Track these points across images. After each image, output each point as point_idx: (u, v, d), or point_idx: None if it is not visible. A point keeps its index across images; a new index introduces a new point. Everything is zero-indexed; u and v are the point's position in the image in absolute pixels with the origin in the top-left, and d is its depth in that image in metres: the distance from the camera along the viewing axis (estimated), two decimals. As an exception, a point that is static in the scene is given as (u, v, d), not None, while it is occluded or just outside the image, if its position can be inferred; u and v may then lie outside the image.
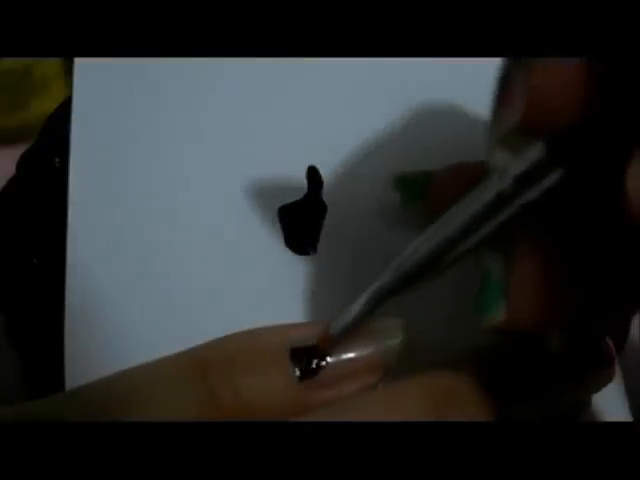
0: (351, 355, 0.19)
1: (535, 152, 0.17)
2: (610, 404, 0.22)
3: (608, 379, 0.21)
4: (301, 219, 0.24)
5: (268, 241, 0.23)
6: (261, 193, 0.24)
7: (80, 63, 0.25)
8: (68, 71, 0.26)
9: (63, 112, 0.25)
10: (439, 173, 0.23)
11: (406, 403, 0.18)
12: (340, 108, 0.25)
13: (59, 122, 0.26)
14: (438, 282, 0.23)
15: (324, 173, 0.24)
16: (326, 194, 0.24)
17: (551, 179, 0.17)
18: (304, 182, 0.24)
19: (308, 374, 0.19)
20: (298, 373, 0.19)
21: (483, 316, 0.18)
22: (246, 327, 0.19)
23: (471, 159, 0.22)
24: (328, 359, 0.19)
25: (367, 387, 0.19)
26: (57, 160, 0.25)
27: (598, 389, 0.21)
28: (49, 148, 0.26)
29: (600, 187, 0.16)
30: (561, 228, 0.17)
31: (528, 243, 0.18)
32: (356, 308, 0.19)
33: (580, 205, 0.17)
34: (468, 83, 0.25)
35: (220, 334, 0.19)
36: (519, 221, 0.17)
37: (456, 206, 0.18)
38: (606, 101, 0.16)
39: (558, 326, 0.18)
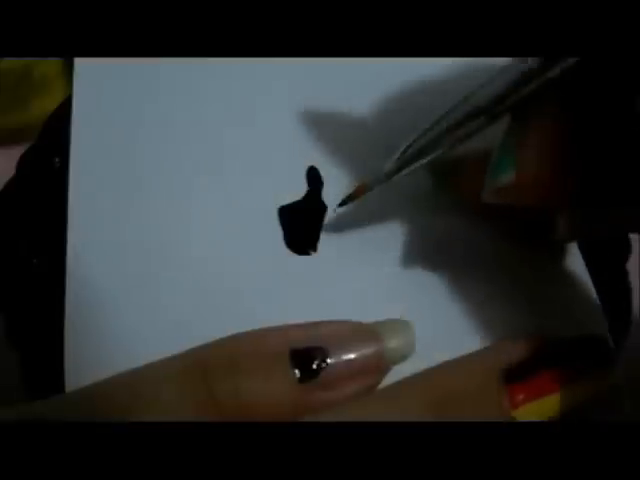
0: (351, 356, 0.19)
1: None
2: (610, 404, 0.22)
3: (608, 379, 0.21)
4: (301, 219, 0.24)
5: (268, 241, 0.23)
6: (261, 193, 0.24)
7: (80, 63, 0.25)
8: (68, 71, 0.26)
9: (63, 112, 0.25)
10: (468, 161, 0.23)
11: (406, 403, 0.18)
12: (340, 107, 0.25)
13: (59, 122, 0.26)
14: (438, 282, 0.23)
15: (324, 173, 0.24)
16: (326, 194, 0.24)
17: (569, 62, 0.17)
18: (304, 182, 0.24)
19: (308, 375, 0.19)
20: (298, 374, 0.19)
21: (495, 177, 0.20)
22: (246, 328, 0.19)
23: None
24: (328, 360, 0.19)
25: (367, 388, 0.19)
26: (57, 160, 0.25)
27: (598, 389, 0.21)
28: (49, 148, 0.26)
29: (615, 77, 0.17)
30: (576, 107, 0.18)
31: (543, 116, 0.19)
32: (390, 165, 0.21)
33: (595, 88, 0.18)
34: (469, 82, 0.25)
35: (220, 334, 0.19)
36: (541, 96, 0.19)
37: (488, 79, 0.19)
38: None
39: (563, 206, 0.20)
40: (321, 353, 0.19)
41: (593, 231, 0.22)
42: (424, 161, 0.21)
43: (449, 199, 0.24)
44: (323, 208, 0.24)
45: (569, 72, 0.18)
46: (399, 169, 0.21)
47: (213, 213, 0.24)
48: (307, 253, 0.23)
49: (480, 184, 0.20)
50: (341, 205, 0.23)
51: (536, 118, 0.19)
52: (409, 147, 0.21)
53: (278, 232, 0.24)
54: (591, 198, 0.19)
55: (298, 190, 0.24)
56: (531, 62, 0.18)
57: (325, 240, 0.24)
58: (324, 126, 0.25)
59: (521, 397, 0.19)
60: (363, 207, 0.24)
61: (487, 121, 0.20)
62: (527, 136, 0.19)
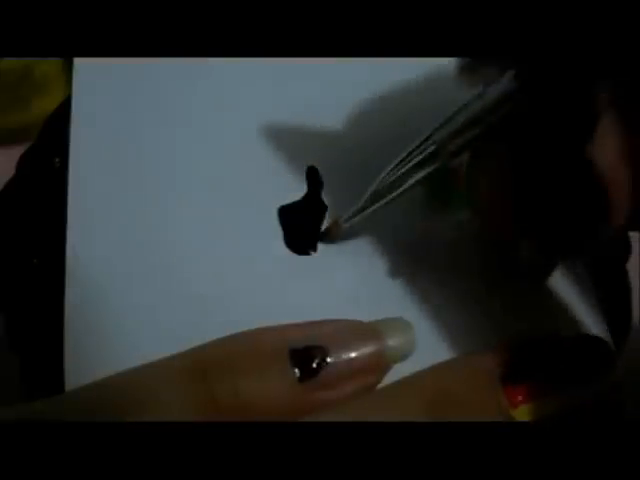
0: (351, 355, 0.19)
1: (505, 81, 0.19)
2: (610, 404, 0.22)
3: (608, 378, 0.21)
4: (301, 219, 0.24)
5: (268, 241, 0.23)
6: (261, 193, 0.24)
7: (80, 63, 0.25)
8: (68, 71, 0.26)
9: (63, 112, 0.25)
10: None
11: (405, 403, 0.18)
12: (340, 107, 0.25)
13: (59, 122, 0.26)
14: (440, 283, 0.23)
15: (324, 173, 0.24)
16: (326, 194, 0.24)
17: (518, 105, 0.19)
18: (304, 182, 0.24)
19: (308, 374, 0.19)
20: (298, 373, 0.19)
21: (453, 216, 0.22)
22: (246, 327, 0.19)
23: None
24: (328, 359, 0.19)
25: (367, 388, 0.19)
26: (57, 160, 0.25)
27: (598, 389, 0.21)
28: (49, 148, 0.26)
29: (563, 117, 0.18)
30: (523, 147, 0.19)
31: (492, 155, 0.20)
32: (363, 199, 0.22)
33: (543, 129, 0.19)
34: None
35: (220, 334, 0.19)
36: (487, 135, 0.20)
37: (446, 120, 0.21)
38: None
39: (522, 234, 0.20)
40: (321, 352, 0.19)
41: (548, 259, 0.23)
42: (390, 198, 0.22)
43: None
44: (323, 208, 0.24)
45: (512, 118, 0.19)
46: (370, 204, 0.22)
47: (213, 213, 0.24)
48: (307, 253, 0.23)
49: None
50: (319, 242, 0.24)
51: (484, 157, 0.20)
52: (380, 184, 0.22)
53: (278, 232, 0.24)
54: (537, 231, 0.20)
55: (298, 190, 0.24)
56: (479, 102, 0.20)
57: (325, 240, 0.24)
58: (324, 126, 0.25)
59: (520, 398, 0.19)
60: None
61: (448, 157, 0.21)
62: (478, 177, 0.20)
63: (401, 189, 0.22)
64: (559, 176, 0.19)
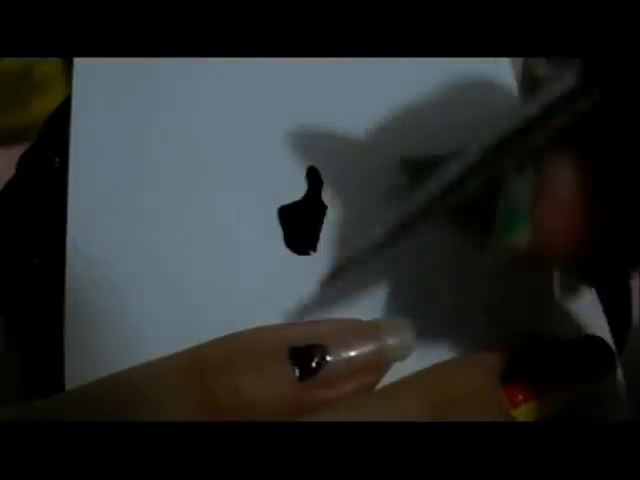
0: (351, 354, 0.19)
1: (572, 72, 0.16)
2: (610, 404, 0.22)
3: (608, 378, 0.21)
4: (301, 219, 0.24)
5: (268, 241, 0.23)
6: (261, 193, 0.24)
7: (80, 63, 0.25)
8: (68, 71, 0.26)
9: (63, 112, 0.25)
10: (444, 157, 0.23)
11: (405, 403, 0.18)
12: (340, 107, 0.25)
13: (59, 122, 0.26)
14: (440, 283, 0.23)
15: (324, 173, 0.24)
16: (326, 194, 0.24)
17: (585, 101, 0.16)
18: (304, 182, 0.24)
19: (307, 373, 0.19)
20: (297, 372, 0.19)
21: (505, 239, 0.17)
22: (246, 327, 0.19)
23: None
24: (328, 358, 0.19)
25: (367, 387, 0.19)
26: (57, 160, 0.25)
27: (598, 389, 0.21)
28: (49, 148, 0.26)
29: (636, 110, 0.16)
30: (594, 150, 0.17)
31: (557, 170, 0.17)
32: (378, 231, 0.19)
33: (615, 128, 0.16)
34: (469, 81, 0.25)
35: (220, 334, 0.19)
36: (550, 143, 0.17)
37: (485, 131, 0.18)
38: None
39: (580, 251, 0.17)
40: (320, 351, 0.19)
41: (604, 282, 0.21)
42: (411, 234, 0.19)
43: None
44: (323, 208, 0.24)
45: (583, 115, 0.16)
46: (386, 243, 0.19)
47: (213, 213, 0.24)
48: (307, 253, 0.23)
49: None
50: (329, 283, 0.20)
51: (550, 169, 0.17)
52: (400, 219, 0.19)
53: (278, 232, 0.24)
54: (614, 252, 0.17)
55: (298, 190, 0.24)
56: (535, 108, 0.16)
57: (325, 240, 0.24)
58: (325, 126, 0.25)
59: (520, 397, 0.19)
60: (362, 209, 0.24)
61: (483, 178, 0.18)
62: (542, 191, 0.17)
63: (425, 220, 0.19)
64: None
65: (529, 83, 0.17)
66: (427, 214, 0.18)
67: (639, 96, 0.16)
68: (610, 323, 0.23)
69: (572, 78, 0.16)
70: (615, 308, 0.25)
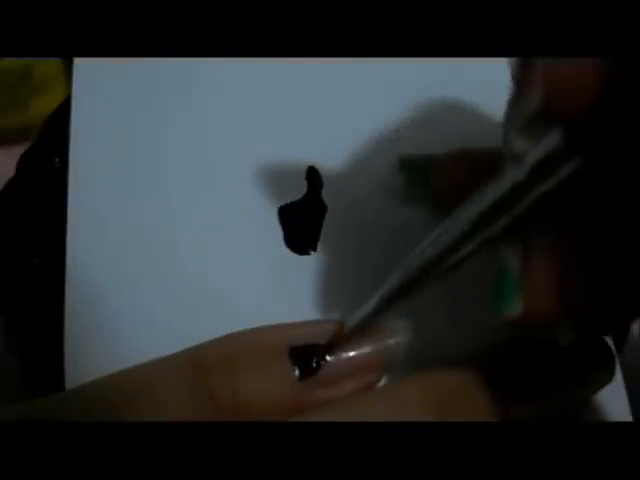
0: (351, 354, 0.19)
1: (553, 139, 0.16)
2: (610, 404, 0.22)
3: (608, 379, 0.21)
4: (301, 219, 0.24)
5: (268, 241, 0.23)
6: (261, 193, 0.24)
7: (80, 63, 0.25)
8: (68, 71, 0.26)
9: (63, 112, 0.25)
10: (442, 157, 0.23)
11: (406, 403, 0.18)
12: (340, 108, 0.25)
13: (59, 122, 0.26)
14: (440, 283, 0.23)
15: (324, 173, 0.24)
16: (326, 194, 0.24)
17: (569, 167, 0.16)
18: (304, 182, 0.24)
19: (308, 373, 0.19)
20: (298, 372, 0.19)
21: (500, 309, 0.18)
22: (246, 327, 0.19)
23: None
24: (327, 358, 0.19)
25: (367, 386, 0.19)
26: (57, 160, 0.25)
27: (598, 389, 0.21)
28: (49, 148, 0.26)
29: (618, 177, 0.16)
30: (578, 219, 0.17)
31: (544, 235, 0.17)
32: (370, 305, 0.19)
33: (599, 193, 0.17)
34: (469, 82, 0.25)
35: (220, 334, 0.19)
36: (536, 212, 0.17)
37: (472, 197, 0.18)
38: (623, 90, 0.15)
39: (571, 318, 0.18)
40: (320, 350, 0.19)
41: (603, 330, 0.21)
42: (407, 299, 0.19)
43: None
44: (323, 208, 0.24)
45: (565, 183, 0.16)
46: (381, 309, 0.19)
47: (213, 213, 0.24)
48: (307, 253, 0.23)
49: (453, 179, 0.20)
50: (322, 359, 0.19)
51: (536, 237, 0.17)
52: (392, 287, 0.19)
53: (278, 232, 0.24)
54: (603, 306, 0.17)
55: (298, 190, 0.24)
56: (523, 176, 0.17)
57: (325, 240, 0.24)
58: (324, 126, 0.25)
59: (521, 397, 0.19)
60: (362, 209, 0.24)
61: (472, 249, 0.18)
62: (530, 261, 0.17)
63: (418, 289, 0.19)
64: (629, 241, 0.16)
65: (509, 156, 0.17)
66: (420, 281, 0.19)
67: (620, 162, 0.16)
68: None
69: (555, 144, 0.16)
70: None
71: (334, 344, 0.19)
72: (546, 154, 0.16)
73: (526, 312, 0.17)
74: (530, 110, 0.17)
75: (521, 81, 0.17)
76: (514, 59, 0.17)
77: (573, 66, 0.16)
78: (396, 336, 0.20)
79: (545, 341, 0.20)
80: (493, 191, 0.17)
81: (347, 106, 0.25)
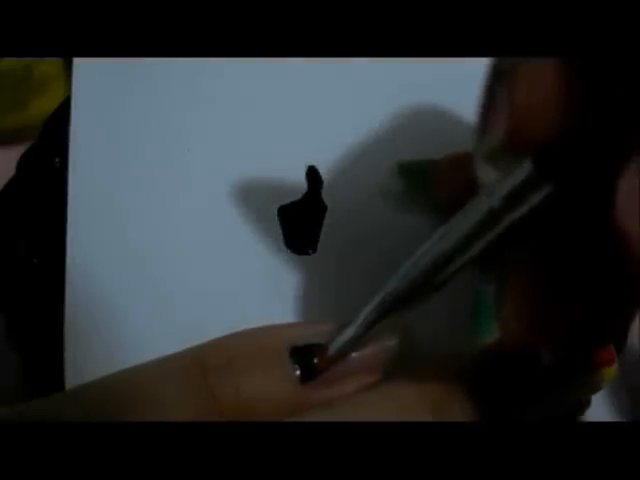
0: (351, 354, 0.19)
1: (523, 170, 0.16)
2: (610, 404, 0.22)
3: (608, 380, 0.21)
4: (301, 219, 0.24)
5: (268, 241, 0.23)
6: (261, 193, 0.24)
7: (79, 63, 0.25)
8: (68, 71, 0.26)
9: (63, 112, 0.25)
10: (441, 161, 0.23)
11: (404, 403, 0.18)
12: (340, 108, 0.25)
13: (59, 122, 0.26)
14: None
15: (324, 172, 0.24)
16: (326, 194, 0.24)
17: (540, 195, 0.16)
18: (304, 182, 0.24)
19: (309, 372, 0.19)
20: (298, 372, 0.19)
21: (476, 337, 0.18)
22: (246, 327, 0.19)
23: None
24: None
25: (366, 386, 0.19)
26: (57, 160, 0.25)
27: (598, 389, 0.21)
28: (49, 148, 0.26)
29: (589, 202, 0.16)
30: (551, 245, 0.17)
31: (517, 264, 0.17)
32: (353, 328, 0.19)
33: (569, 221, 0.17)
34: (469, 82, 0.25)
35: (220, 334, 0.19)
36: (509, 240, 0.17)
37: (447, 224, 0.18)
38: (590, 116, 0.15)
39: (549, 343, 0.18)
40: (321, 350, 0.19)
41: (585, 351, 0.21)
42: (386, 319, 0.19)
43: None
44: (323, 208, 0.24)
45: (537, 210, 0.16)
46: (363, 331, 0.19)
47: (213, 213, 0.24)
48: (307, 253, 0.23)
49: (452, 184, 0.20)
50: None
51: (510, 267, 0.17)
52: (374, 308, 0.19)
53: (278, 232, 0.24)
54: (582, 330, 0.18)
55: (298, 190, 0.24)
56: (496, 204, 0.17)
57: (325, 240, 0.24)
58: (324, 126, 0.25)
59: (520, 397, 0.19)
60: (362, 209, 0.24)
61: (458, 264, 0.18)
62: (505, 290, 0.17)
63: (399, 309, 0.19)
64: (594, 265, 0.16)
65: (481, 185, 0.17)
66: (402, 302, 0.19)
67: (590, 192, 0.16)
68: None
69: (524, 174, 0.16)
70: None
71: (318, 369, 0.19)
72: (517, 183, 0.16)
73: (501, 340, 0.17)
74: (495, 143, 0.17)
75: (484, 115, 0.17)
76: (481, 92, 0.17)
77: (536, 95, 0.16)
78: (396, 337, 0.20)
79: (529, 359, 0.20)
80: (471, 215, 0.17)
81: (347, 106, 0.25)
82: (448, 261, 0.18)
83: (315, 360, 0.19)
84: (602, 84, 0.15)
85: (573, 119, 0.15)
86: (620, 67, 0.15)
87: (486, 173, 0.17)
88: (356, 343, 0.19)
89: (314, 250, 0.24)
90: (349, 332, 0.19)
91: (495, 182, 0.17)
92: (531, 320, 0.17)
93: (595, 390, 0.21)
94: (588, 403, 0.22)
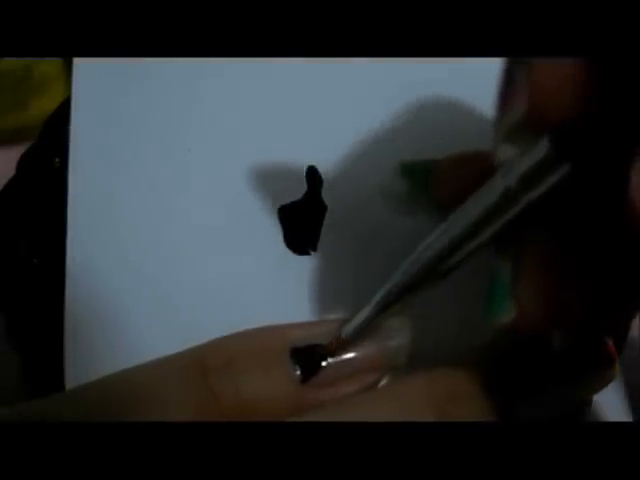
0: (352, 355, 0.19)
1: (541, 148, 0.16)
2: (610, 404, 0.22)
3: (609, 379, 0.21)
4: (301, 219, 0.24)
5: (268, 241, 0.23)
6: (261, 193, 0.24)
7: (79, 63, 0.25)
8: (68, 71, 0.26)
9: (63, 112, 0.25)
10: (443, 162, 0.23)
11: (407, 403, 0.18)
12: (340, 108, 0.25)
13: (59, 122, 0.26)
14: (441, 284, 0.23)
15: (324, 172, 0.24)
16: (326, 194, 0.24)
17: (557, 175, 0.16)
18: (304, 182, 0.24)
19: (309, 373, 0.19)
20: (298, 372, 0.19)
21: (491, 317, 0.18)
22: (246, 327, 0.19)
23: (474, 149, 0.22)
24: (329, 358, 0.19)
25: (368, 387, 0.19)
26: (57, 160, 0.25)
27: (599, 389, 0.21)
28: (49, 148, 0.26)
29: (606, 183, 0.16)
30: (567, 226, 0.17)
31: (534, 244, 0.17)
32: (367, 310, 0.19)
33: (586, 202, 0.17)
34: (469, 81, 0.25)
35: (220, 334, 0.19)
36: (525, 220, 0.17)
37: (462, 206, 0.18)
38: (609, 97, 0.16)
39: (563, 325, 0.18)
40: (322, 351, 0.19)
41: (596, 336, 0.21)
42: (400, 305, 0.19)
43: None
44: (323, 208, 0.24)
45: (554, 190, 0.17)
46: (376, 314, 0.19)
47: (213, 213, 0.24)
48: (307, 253, 0.23)
49: (454, 184, 0.20)
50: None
51: (527, 248, 0.17)
52: (389, 291, 0.19)
53: (278, 232, 0.24)
54: (595, 313, 0.17)
55: (298, 190, 0.24)
56: (513, 184, 0.17)
57: (325, 240, 0.24)
58: (324, 126, 0.25)
59: (520, 396, 0.19)
60: (362, 209, 0.24)
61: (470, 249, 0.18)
62: (521, 271, 0.17)
63: (413, 293, 0.19)
64: (610, 248, 0.16)
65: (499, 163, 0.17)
66: (415, 286, 0.19)
67: (607, 171, 0.16)
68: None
69: (543, 152, 0.16)
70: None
71: (332, 350, 0.19)
72: (535, 161, 0.16)
73: (517, 320, 0.17)
74: (515, 121, 0.17)
75: (504, 93, 0.17)
76: (501, 71, 0.17)
77: (556, 75, 0.16)
78: (397, 337, 0.20)
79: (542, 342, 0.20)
80: (485, 196, 0.17)
81: (347, 106, 0.25)
82: (463, 242, 0.18)
83: (316, 361, 0.19)
84: (621, 65, 0.15)
85: (592, 99, 0.15)
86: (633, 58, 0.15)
87: (505, 152, 0.17)
88: (369, 326, 0.19)
89: (314, 250, 0.23)
90: (363, 314, 0.19)
91: (512, 161, 0.17)
92: (547, 298, 0.17)
93: (600, 387, 0.21)
94: (589, 403, 0.22)
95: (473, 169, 0.19)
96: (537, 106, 0.16)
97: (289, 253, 0.23)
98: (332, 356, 0.19)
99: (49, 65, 0.35)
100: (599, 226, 0.17)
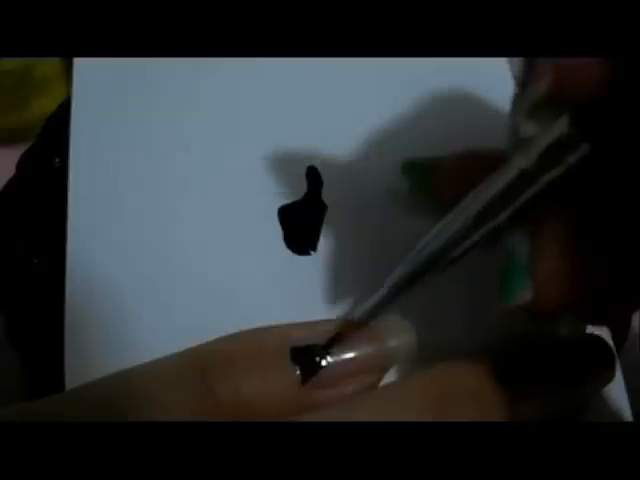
0: (352, 355, 0.19)
1: (562, 125, 0.16)
2: (610, 404, 0.22)
3: (608, 379, 0.21)
4: (301, 219, 0.24)
5: (268, 241, 0.23)
6: (261, 193, 0.24)
7: (80, 63, 0.25)
8: (68, 71, 0.26)
9: (63, 112, 0.25)
10: (446, 159, 0.23)
11: (406, 403, 0.18)
12: (340, 108, 0.25)
13: (59, 122, 0.26)
14: (442, 283, 0.23)
15: (324, 173, 0.24)
16: (326, 194, 0.24)
17: (576, 155, 0.16)
18: (304, 182, 0.24)
19: (309, 373, 0.19)
20: (298, 372, 0.19)
21: (508, 297, 0.18)
22: (246, 327, 0.19)
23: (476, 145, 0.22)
24: (329, 359, 0.19)
25: (367, 387, 0.19)
26: (57, 160, 0.25)
27: (598, 389, 0.21)
28: (49, 148, 0.26)
29: (626, 164, 0.16)
30: (586, 206, 0.17)
31: (554, 223, 0.17)
32: (377, 296, 0.19)
33: (605, 182, 0.17)
34: (469, 80, 0.25)
35: (220, 334, 0.19)
36: (545, 200, 0.17)
37: (479, 186, 0.18)
38: (630, 80, 0.15)
39: (578, 307, 0.18)
40: (321, 351, 0.19)
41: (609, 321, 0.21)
42: (413, 292, 0.19)
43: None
44: (323, 208, 0.24)
45: (573, 170, 0.16)
46: (388, 301, 0.19)
47: (213, 213, 0.24)
48: (307, 253, 0.23)
49: (457, 182, 0.20)
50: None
51: (546, 223, 0.17)
52: (400, 278, 0.19)
53: (278, 232, 0.24)
54: (612, 297, 0.17)
55: (298, 190, 0.24)
56: (531, 164, 0.17)
57: (325, 240, 0.24)
58: (324, 126, 0.25)
59: (521, 397, 0.19)
60: (362, 209, 0.24)
61: (483, 232, 0.18)
62: (541, 249, 0.17)
63: (425, 280, 0.19)
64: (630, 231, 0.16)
65: (517, 142, 0.17)
66: (428, 271, 0.19)
67: (628, 149, 0.16)
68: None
69: (563, 129, 0.16)
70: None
71: (340, 337, 0.19)
72: (554, 140, 0.16)
73: (535, 299, 0.17)
74: (538, 95, 0.17)
75: (529, 67, 0.17)
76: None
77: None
78: (397, 337, 0.20)
79: (544, 335, 0.20)
80: (500, 179, 0.17)
81: (347, 106, 0.25)
82: (480, 223, 0.18)
83: (315, 361, 0.19)
84: None
85: (614, 79, 0.15)
86: None
87: (526, 128, 0.17)
88: (379, 311, 0.19)
89: (314, 250, 0.24)
90: (374, 298, 0.19)
91: (531, 140, 0.17)
92: (566, 277, 0.17)
93: (600, 386, 0.21)
94: (588, 402, 0.22)
95: (474, 166, 0.19)
96: (562, 80, 0.16)
97: (289, 253, 0.23)
98: (334, 354, 0.19)
99: (49, 65, 0.35)
100: (618, 206, 0.17)
